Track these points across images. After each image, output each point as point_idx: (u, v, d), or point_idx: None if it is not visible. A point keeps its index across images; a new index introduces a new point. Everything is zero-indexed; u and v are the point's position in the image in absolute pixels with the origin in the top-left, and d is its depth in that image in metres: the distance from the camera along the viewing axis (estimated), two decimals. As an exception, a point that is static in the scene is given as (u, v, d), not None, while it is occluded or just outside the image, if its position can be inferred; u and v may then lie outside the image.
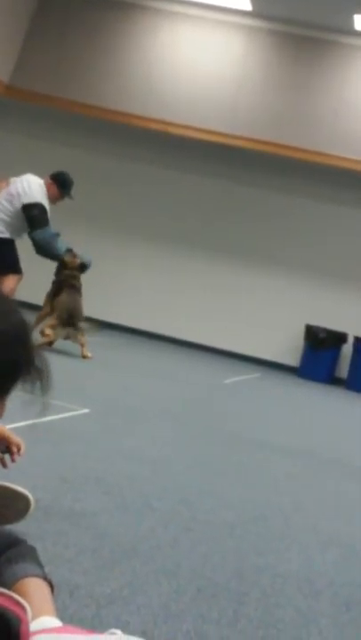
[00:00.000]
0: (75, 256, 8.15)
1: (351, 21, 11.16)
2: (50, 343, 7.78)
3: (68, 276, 8.13)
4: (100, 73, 12.25)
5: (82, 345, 7.87)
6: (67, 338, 7.91)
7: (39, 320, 7.88)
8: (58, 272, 8.23)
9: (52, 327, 7.81)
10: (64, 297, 8.03)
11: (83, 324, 7.93)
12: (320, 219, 12.36)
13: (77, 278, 8.17)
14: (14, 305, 1.53)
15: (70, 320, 7.87)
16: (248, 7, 11.62)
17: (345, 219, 12.27)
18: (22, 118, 12.87)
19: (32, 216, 7.65)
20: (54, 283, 8.25)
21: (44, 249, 7.79)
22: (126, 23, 12.31)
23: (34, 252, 7.87)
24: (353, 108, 11.61)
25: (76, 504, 2.83)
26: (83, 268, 8.19)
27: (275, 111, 11.76)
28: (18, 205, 7.68)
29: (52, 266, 8.25)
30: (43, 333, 7.66)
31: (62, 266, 8.14)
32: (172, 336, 12.50)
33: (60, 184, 7.97)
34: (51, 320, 7.88)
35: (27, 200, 7.67)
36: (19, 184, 7.79)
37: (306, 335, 12.02)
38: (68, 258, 8.10)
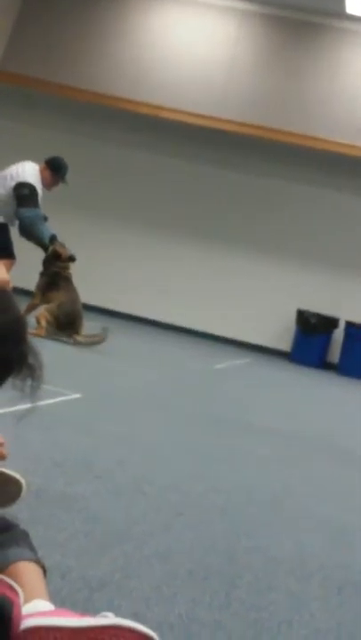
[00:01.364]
0: (63, 246, 7.97)
1: (343, 5, 11.11)
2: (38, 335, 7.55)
3: (62, 267, 7.87)
4: (90, 57, 12.18)
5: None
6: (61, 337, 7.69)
7: (29, 310, 7.63)
8: (47, 263, 7.91)
9: (48, 323, 7.61)
10: (62, 295, 7.74)
11: (82, 339, 7.63)
12: (312, 204, 12.35)
13: (69, 269, 7.98)
14: (12, 301, 1.51)
15: (70, 326, 7.68)
16: (239, -10, 11.57)
17: (337, 204, 12.26)
18: (12, 102, 12.80)
19: (21, 195, 7.61)
20: (44, 275, 7.95)
21: (27, 229, 7.68)
22: (117, 6, 12.24)
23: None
24: (344, 91, 11.58)
25: (67, 488, 2.83)
26: (72, 258, 7.98)
27: (266, 95, 11.72)
28: (9, 188, 7.64)
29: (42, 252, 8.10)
30: (38, 322, 7.49)
31: (54, 257, 7.90)
32: (164, 321, 12.49)
33: (54, 168, 7.93)
34: (48, 315, 7.63)
35: (18, 179, 7.64)
36: (13, 167, 7.78)
37: (297, 320, 12.04)
38: (59, 248, 7.85)
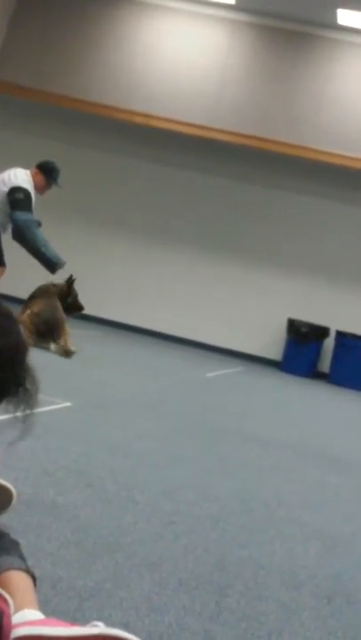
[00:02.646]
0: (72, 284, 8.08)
1: (334, 15, 11.17)
2: None
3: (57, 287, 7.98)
4: (83, 66, 12.20)
5: (65, 341, 7.77)
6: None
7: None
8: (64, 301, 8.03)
9: (29, 331, 7.54)
10: (41, 303, 7.75)
11: (55, 347, 7.55)
12: (303, 213, 12.38)
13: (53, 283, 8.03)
14: (13, 324, 1.50)
15: (49, 333, 7.63)
16: (232, 0, 11.60)
17: (328, 213, 12.30)
18: (5, 112, 12.81)
19: (16, 199, 7.59)
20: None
21: (22, 232, 7.65)
22: (110, 16, 12.27)
23: (19, 245, 7.78)
24: (336, 102, 11.63)
25: (58, 497, 2.82)
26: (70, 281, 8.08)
27: (258, 105, 11.76)
28: (2, 194, 7.63)
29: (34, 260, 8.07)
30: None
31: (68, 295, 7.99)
32: (156, 330, 12.49)
33: (47, 172, 7.92)
34: (28, 323, 7.51)
35: (11, 184, 7.63)
36: (5, 174, 7.77)
37: (288, 329, 12.05)
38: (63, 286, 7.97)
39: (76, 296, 8.19)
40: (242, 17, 11.91)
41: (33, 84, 12.01)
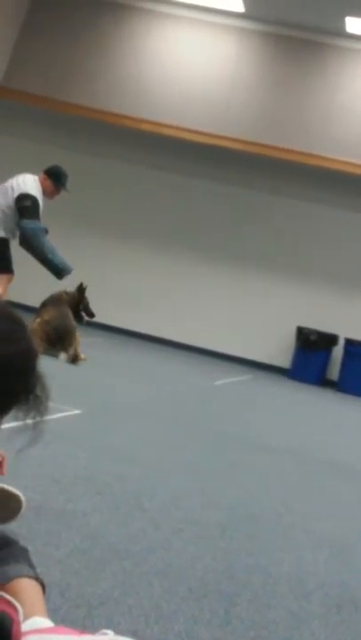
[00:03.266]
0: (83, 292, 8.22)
1: (343, 24, 11.17)
2: None
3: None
4: (92, 74, 12.23)
5: (75, 349, 7.79)
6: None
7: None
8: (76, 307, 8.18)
9: (40, 339, 7.56)
10: (52, 311, 7.83)
11: (64, 356, 7.62)
12: (311, 221, 12.37)
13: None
14: (24, 332, 1.50)
15: (59, 341, 7.66)
16: (241, 9, 11.62)
17: (336, 221, 12.29)
18: (14, 119, 12.85)
19: (24, 206, 7.61)
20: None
21: (30, 240, 7.66)
22: (119, 24, 12.30)
23: (26, 252, 7.80)
24: (345, 110, 11.63)
25: (67, 504, 2.83)
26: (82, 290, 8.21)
27: (267, 113, 11.77)
28: (11, 200, 7.64)
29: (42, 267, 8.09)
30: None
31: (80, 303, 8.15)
32: (164, 337, 12.49)
33: (54, 177, 7.93)
34: (38, 331, 7.54)
35: (20, 191, 7.64)
36: (14, 180, 7.78)
37: (297, 337, 12.03)
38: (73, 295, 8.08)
39: (87, 304, 8.27)
40: (251, 25, 11.93)
41: (42, 92, 12.05)
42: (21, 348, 1.47)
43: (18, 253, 7.86)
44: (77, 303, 8.17)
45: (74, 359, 7.59)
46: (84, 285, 8.19)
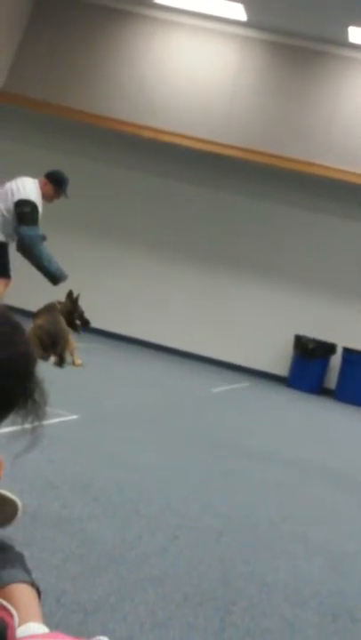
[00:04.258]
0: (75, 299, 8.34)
1: (345, 33, 11.20)
2: None
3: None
4: (93, 80, 12.25)
5: (71, 354, 7.84)
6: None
7: None
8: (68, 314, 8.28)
9: (35, 345, 7.58)
10: (44, 316, 7.97)
11: (54, 359, 7.69)
12: (311, 229, 12.38)
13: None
14: (21, 335, 1.50)
15: (52, 346, 7.74)
16: (243, 17, 11.65)
17: (336, 230, 12.30)
18: (15, 124, 12.87)
19: (23, 212, 7.60)
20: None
21: (27, 246, 7.67)
22: (120, 31, 12.33)
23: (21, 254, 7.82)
24: (346, 119, 11.65)
25: (63, 510, 2.82)
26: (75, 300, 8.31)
27: (268, 121, 11.79)
28: (10, 204, 7.64)
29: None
30: None
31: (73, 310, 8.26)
32: (162, 344, 12.49)
33: (55, 182, 7.93)
34: (32, 337, 7.60)
35: (20, 196, 7.63)
36: (13, 183, 7.77)
37: (295, 345, 12.03)
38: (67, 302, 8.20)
39: (82, 312, 8.39)
40: (253, 34, 11.96)
41: (43, 97, 12.07)
42: (22, 351, 1.47)
43: (19, 259, 7.87)
44: (71, 311, 8.27)
45: (60, 362, 7.65)
46: (76, 295, 8.35)
